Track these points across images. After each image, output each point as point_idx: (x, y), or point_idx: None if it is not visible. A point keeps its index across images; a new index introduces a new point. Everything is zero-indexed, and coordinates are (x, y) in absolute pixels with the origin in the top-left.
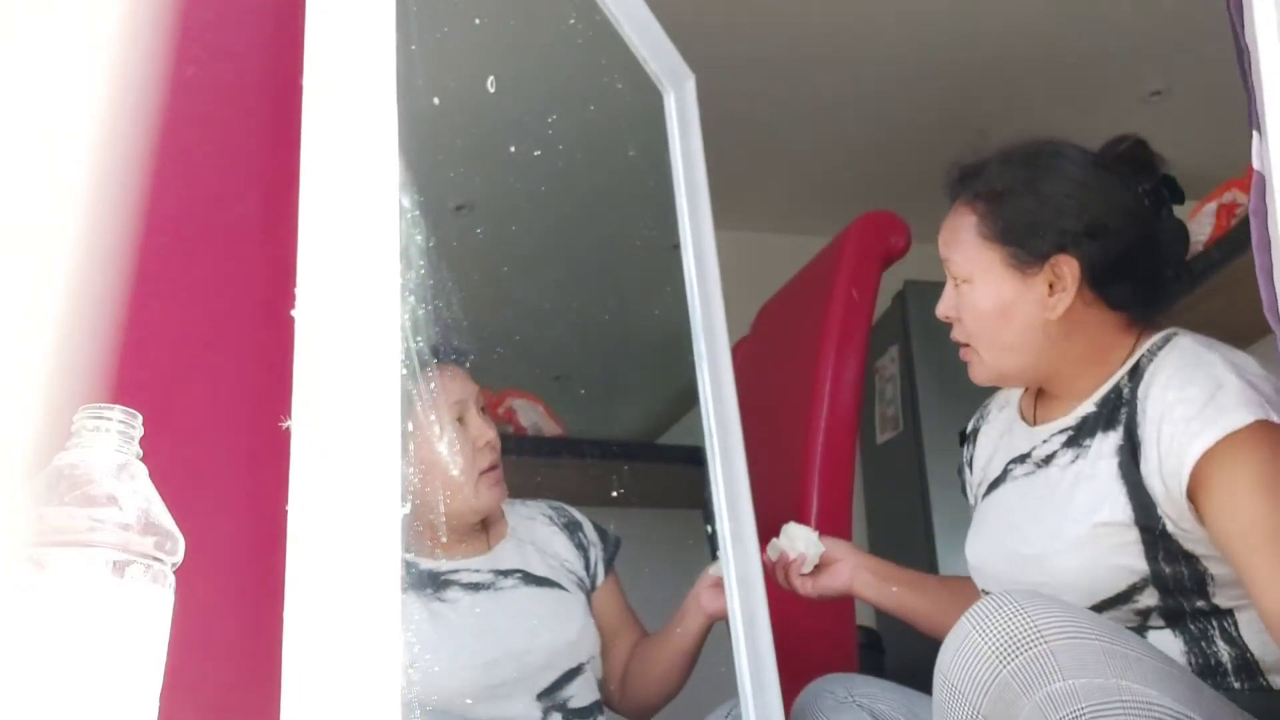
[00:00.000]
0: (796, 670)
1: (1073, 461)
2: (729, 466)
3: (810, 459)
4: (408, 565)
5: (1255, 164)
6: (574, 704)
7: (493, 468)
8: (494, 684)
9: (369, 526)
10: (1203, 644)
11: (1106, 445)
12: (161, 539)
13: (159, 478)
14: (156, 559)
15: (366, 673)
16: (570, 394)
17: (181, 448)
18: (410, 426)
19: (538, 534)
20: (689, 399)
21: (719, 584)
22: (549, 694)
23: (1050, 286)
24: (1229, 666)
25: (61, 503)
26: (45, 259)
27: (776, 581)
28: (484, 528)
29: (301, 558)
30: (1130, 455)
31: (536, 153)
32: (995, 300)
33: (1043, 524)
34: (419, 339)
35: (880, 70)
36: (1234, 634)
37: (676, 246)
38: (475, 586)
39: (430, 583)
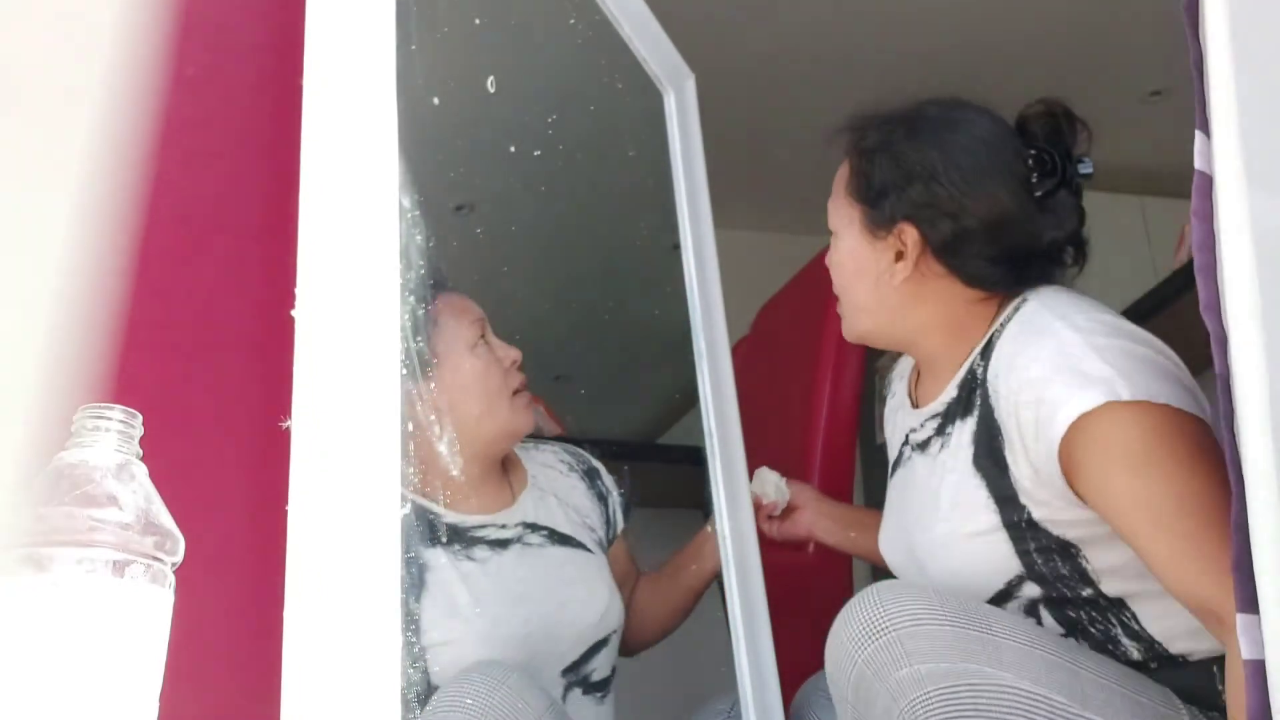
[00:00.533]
0: (797, 667)
1: (940, 451)
2: (729, 466)
3: (810, 459)
4: (433, 516)
5: (1199, 165)
6: (595, 677)
7: (523, 387)
8: (524, 659)
9: (369, 526)
10: (1108, 646)
11: (965, 434)
12: (161, 539)
13: (159, 478)
14: (156, 559)
15: (367, 673)
16: (570, 394)
17: (181, 448)
18: (441, 349)
19: (558, 484)
20: (689, 399)
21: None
22: (574, 669)
23: (897, 254)
24: (1139, 659)
25: (61, 503)
26: (45, 259)
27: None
28: (506, 473)
29: (302, 557)
30: (988, 442)
31: (537, 153)
32: (851, 258)
33: (921, 524)
34: (419, 339)
35: (880, 70)
36: (1136, 628)
37: (676, 246)
38: (503, 544)
39: (458, 539)
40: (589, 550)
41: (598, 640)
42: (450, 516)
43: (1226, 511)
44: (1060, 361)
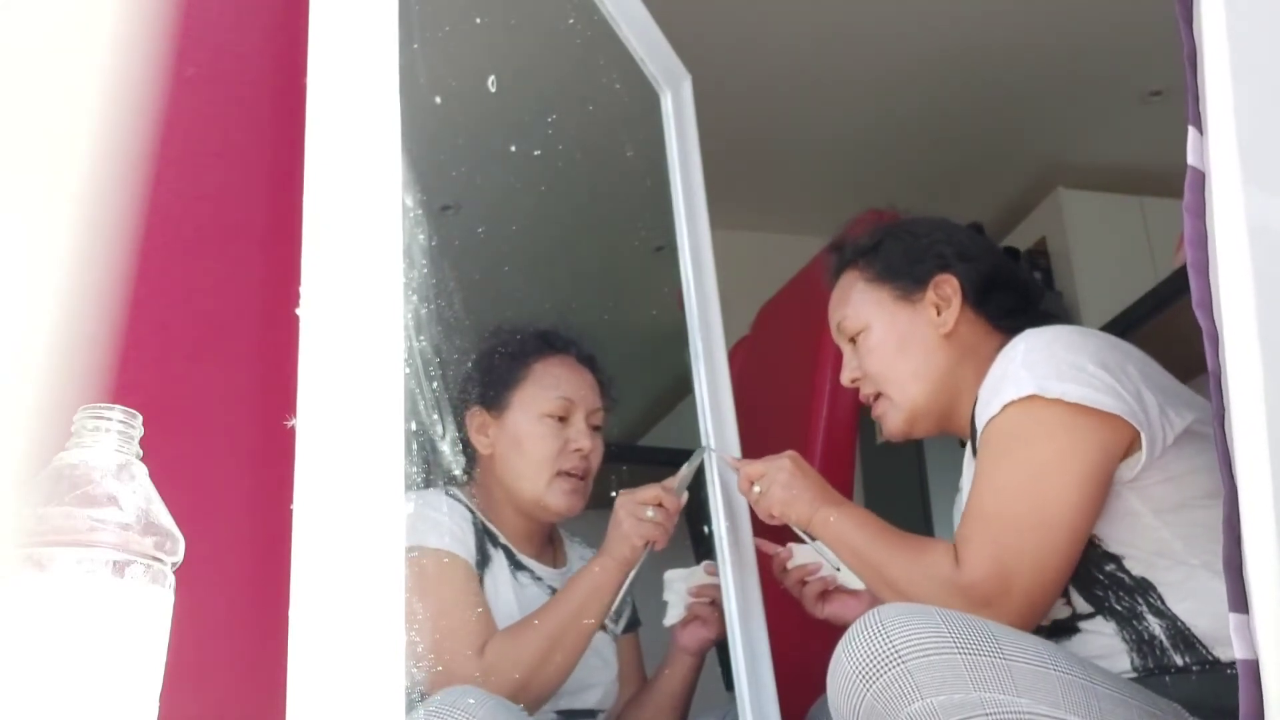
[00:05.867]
0: (796, 673)
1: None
2: (725, 469)
3: (810, 459)
4: (493, 533)
5: (1191, 160)
6: None
7: (573, 475)
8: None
9: (374, 525)
10: (1133, 622)
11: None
12: (161, 539)
13: (159, 478)
14: (156, 559)
15: (372, 673)
16: None
17: (182, 448)
18: (514, 402)
19: None
20: (669, 401)
21: (695, 619)
22: (567, 715)
23: (936, 309)
24: (1164, 640)
25: (61, 503)
26: (45, 259)
27: (777, 578)
28: (552, 543)
29: (306, 557)
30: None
31: (536, 152)
32: (892, 333)
33: None
34: (421, 338)
35: (880, 71)
36: (1161, 606)
37: (661, 249)
38: (540, 589)
39: (510, 558)
40: (604, 631)
41: (588, 709)
42: (504, 540)
43: (1049, 509)
44: (997, 380)
